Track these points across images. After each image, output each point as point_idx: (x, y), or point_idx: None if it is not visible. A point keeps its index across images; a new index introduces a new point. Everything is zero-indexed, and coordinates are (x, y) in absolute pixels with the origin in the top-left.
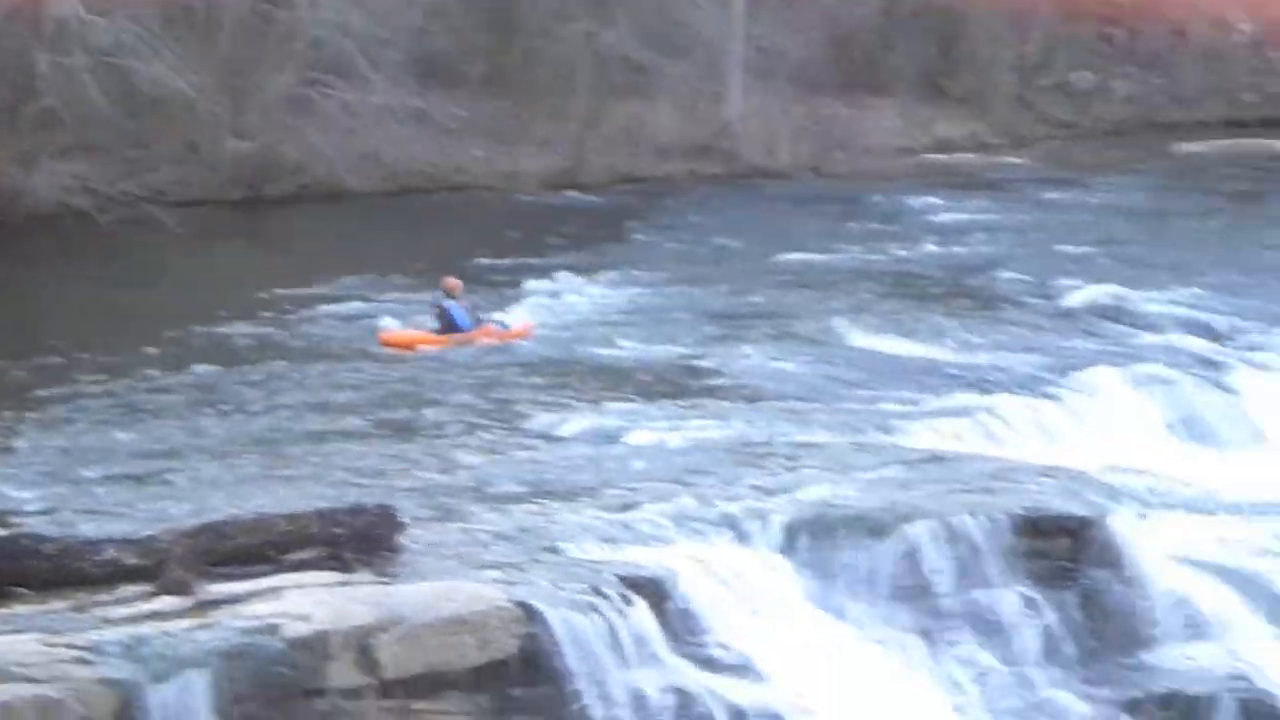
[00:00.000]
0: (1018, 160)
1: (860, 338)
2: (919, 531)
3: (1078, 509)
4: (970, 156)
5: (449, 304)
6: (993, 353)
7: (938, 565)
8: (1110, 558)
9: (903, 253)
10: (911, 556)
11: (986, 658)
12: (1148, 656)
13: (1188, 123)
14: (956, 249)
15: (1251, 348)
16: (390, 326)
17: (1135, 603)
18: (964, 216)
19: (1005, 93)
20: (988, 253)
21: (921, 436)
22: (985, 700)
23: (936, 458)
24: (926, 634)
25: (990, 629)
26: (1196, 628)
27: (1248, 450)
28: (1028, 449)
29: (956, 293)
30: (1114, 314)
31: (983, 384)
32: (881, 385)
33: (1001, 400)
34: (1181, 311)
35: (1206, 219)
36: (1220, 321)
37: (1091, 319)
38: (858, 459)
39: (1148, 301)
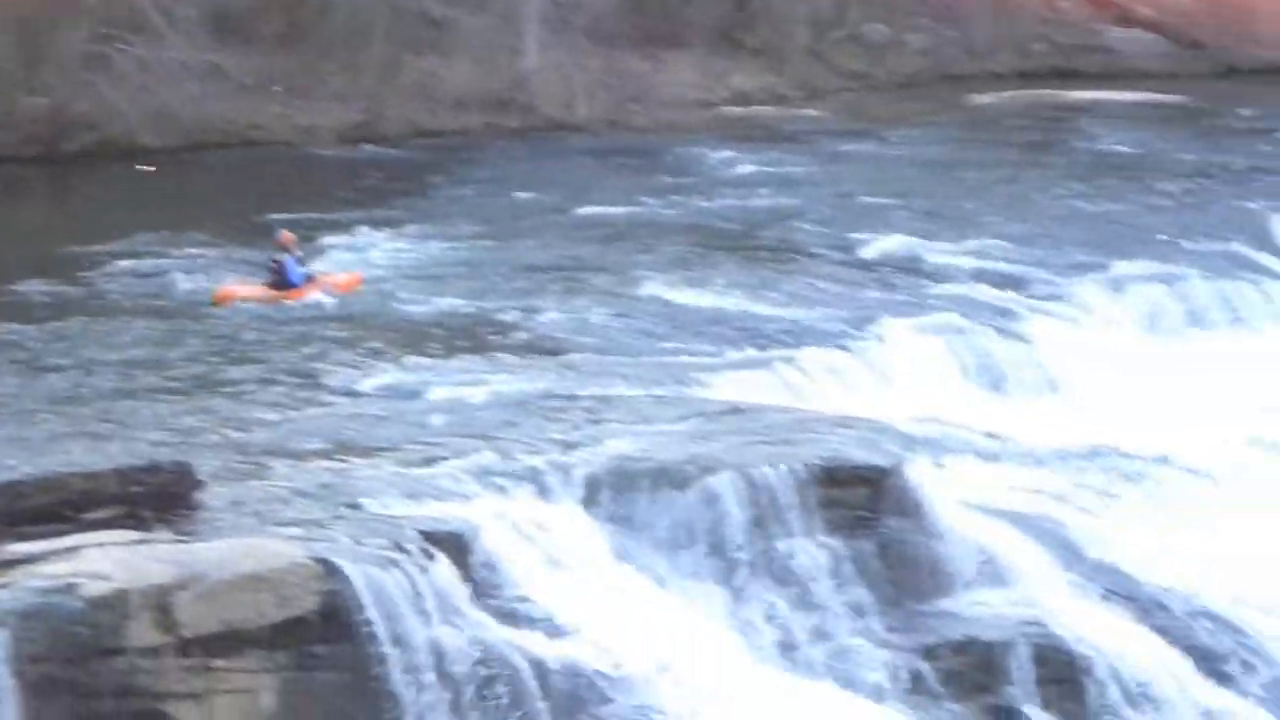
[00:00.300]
0: (813, 113)
1: (660, 291)
2: (719, 483)
3: (875, 459)
4: (767, 109)
5: (283, 258)
6: (791, 305)
7: (738, 516)
8: (907, 507)
9: (701, 205)
10: (712, 508)
11: (786, 607)
12: (944, 604)
13: (980, 74)
14: (754, 201)
15: (1044, 296)
16: (227, 283)
17: (932, 551)
18: (761, 169)
19: (800, 46)
20: (785, 205)
21: (721, 389)
22: (785, 649)
23: (736, 410)
24: (727, 584)
25: (790, 579)
26: (992, 575)
27: (1042, 398)
28: (826, 400)
29: (755, 245)
30: (910, 265)
31: (781, 336)
32: (681, 338)
33: (800, 352)
34: (976, 262)
35: (999, 170)
36: (1014, 271)
37: (888, 270)
38: (658, 412)
39: (943, 252)
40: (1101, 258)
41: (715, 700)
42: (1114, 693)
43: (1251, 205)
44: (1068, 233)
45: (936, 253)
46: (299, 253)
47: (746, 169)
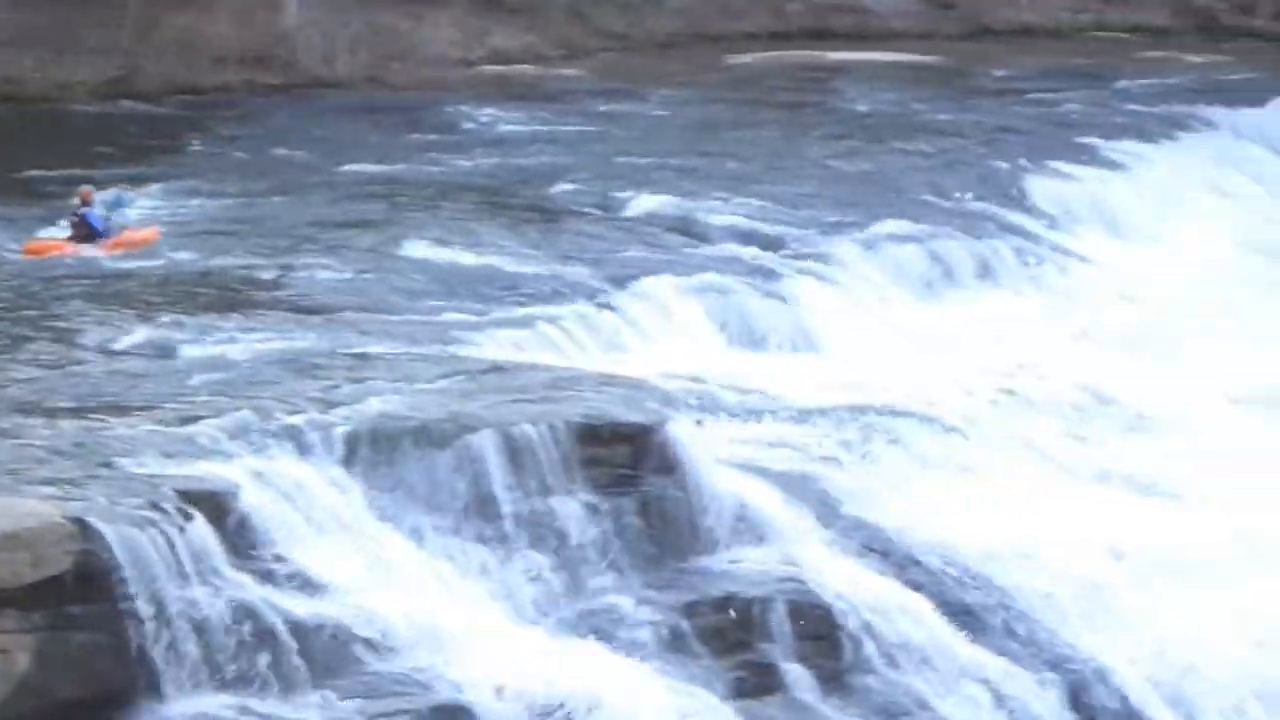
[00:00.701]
0: (573, 72)
1: (421, 249)
2: (480, 441)
3: (636, 416)
4: (527, 68)
5: (86, 211)
6: (553, 263)
7: (499, 475)
8: (668, 465)
9: (463, 164)
10: (473, 466)
11: (547, 566)
12: (705, 561)
13: (736, 34)
14: (516, 160)
15: (803, 256)
16: (41, 235)
17: (692, 509)
18: (522, 128)
19: (559, 5)
20: (547, 164)
21: (483, 347)
22: (546, 607)
23: (497, 368)
24: (488, 543)
25: (551, 537)
26: (752, 532)
27: (801, 356)
28: (588, 358)
29: (516, 204)
30: (671, 224)
31: (543, 294)
32: (443, 296)
33: (561, 310)
34: (736, 221)
35: (757, 130)
36: (773, 230)
37: (649, 229)
38: (419, 370)
39: (703, 212)
40: (858, 217)
41: (477, 660)
42: (870, 648)
43: (1004, 165)
44: (825, 192)
45: (697, 212)
46: (98, 208)
47: (508, 128)
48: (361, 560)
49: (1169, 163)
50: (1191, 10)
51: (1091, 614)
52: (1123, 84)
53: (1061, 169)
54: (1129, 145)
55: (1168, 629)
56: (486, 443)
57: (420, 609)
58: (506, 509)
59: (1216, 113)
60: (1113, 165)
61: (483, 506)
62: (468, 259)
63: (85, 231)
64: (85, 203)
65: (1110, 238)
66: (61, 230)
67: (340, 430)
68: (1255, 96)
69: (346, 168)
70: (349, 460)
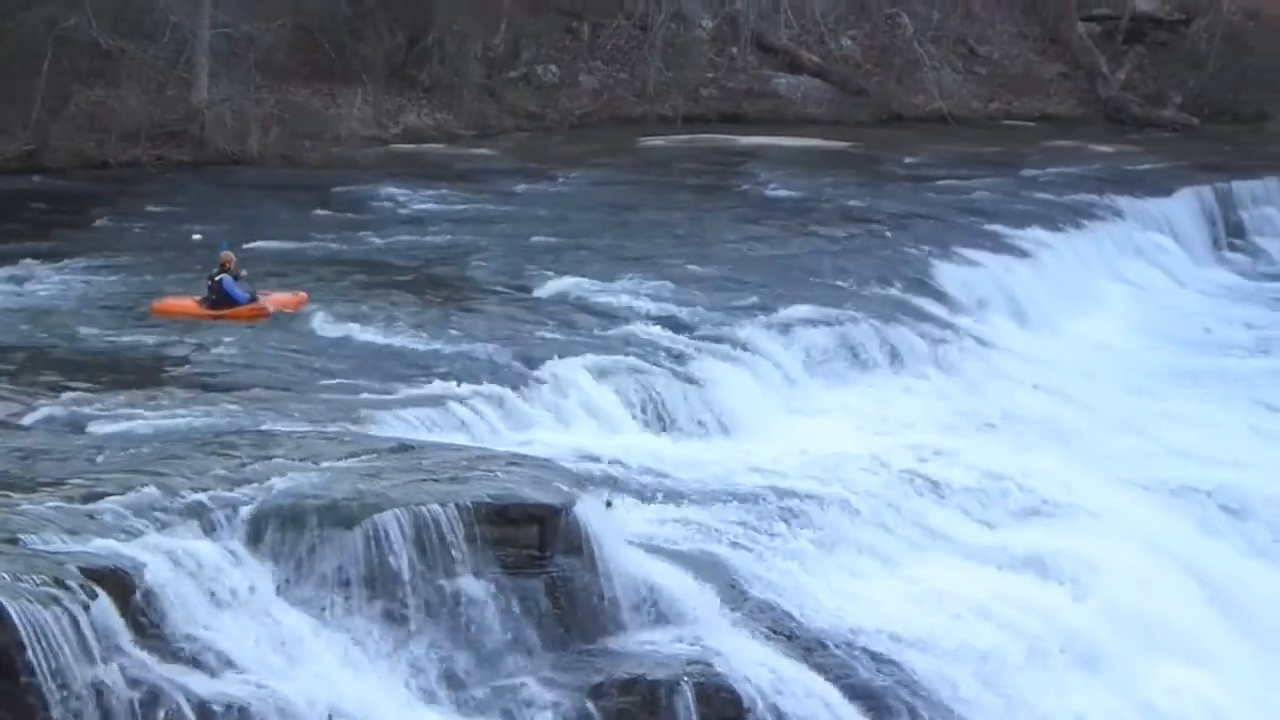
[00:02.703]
0: (486, 151)
1: (331, 327)
2: (387, 521)
3: (545, 497)
4: (439, 147)
5: (222, 277)
6: (464, 342)
7: (405, 555)
8: (577, 545)
9: (374, 242)
10: (379, 546)
11: (454, 646)
12: (612, 643)
13: (651, 117)
14: (426, 239)
15: (714, 339)
16: (167, 297)
17: (601, 590)
18: (434, 206)
19: (473, 84)
20: (458, 243)
21: (391, 426)
22: (452, 689)
23: (406, 447)
24: (394, 623)
25: (458, 618)
26: (660, 614)
27: (711, 438)
28: (497, 438)
29: (428, 283)
30: (582, 305)
31: (453, 373)
32: (352, 375)
33: (471, 390)
34: (648, 303)
35: (670, 212)
36: (684, 313)
37: (560, 310)
38: (327, 449)
39: (615, 293)
40: (770, 301)
41: None
42: None
43: (913, 251)
44: (737, 276)
45: (609, 293)
46: (242, 272)
47: (419, 206)
48: (266, 640)
49: (1075, 251)
50: (1100, 101)
51: (994, 696)
52: (1031, 172)
53: (969, 256)
54: (1036, 233)
55: (1066, 712)
56: (393, 522)
57: (325, 690)
58: (413, 589)
59: (1123, 202)
60: (1020, 253)
61: (389, 586)
62: (377, 338)
63: (219, 296)
64: (225, 268)
65: (1016, 325)
66: (197, 293)
67: (246, 509)
68: (1162, 186)
69: (255, 244)
70: (254, 539)
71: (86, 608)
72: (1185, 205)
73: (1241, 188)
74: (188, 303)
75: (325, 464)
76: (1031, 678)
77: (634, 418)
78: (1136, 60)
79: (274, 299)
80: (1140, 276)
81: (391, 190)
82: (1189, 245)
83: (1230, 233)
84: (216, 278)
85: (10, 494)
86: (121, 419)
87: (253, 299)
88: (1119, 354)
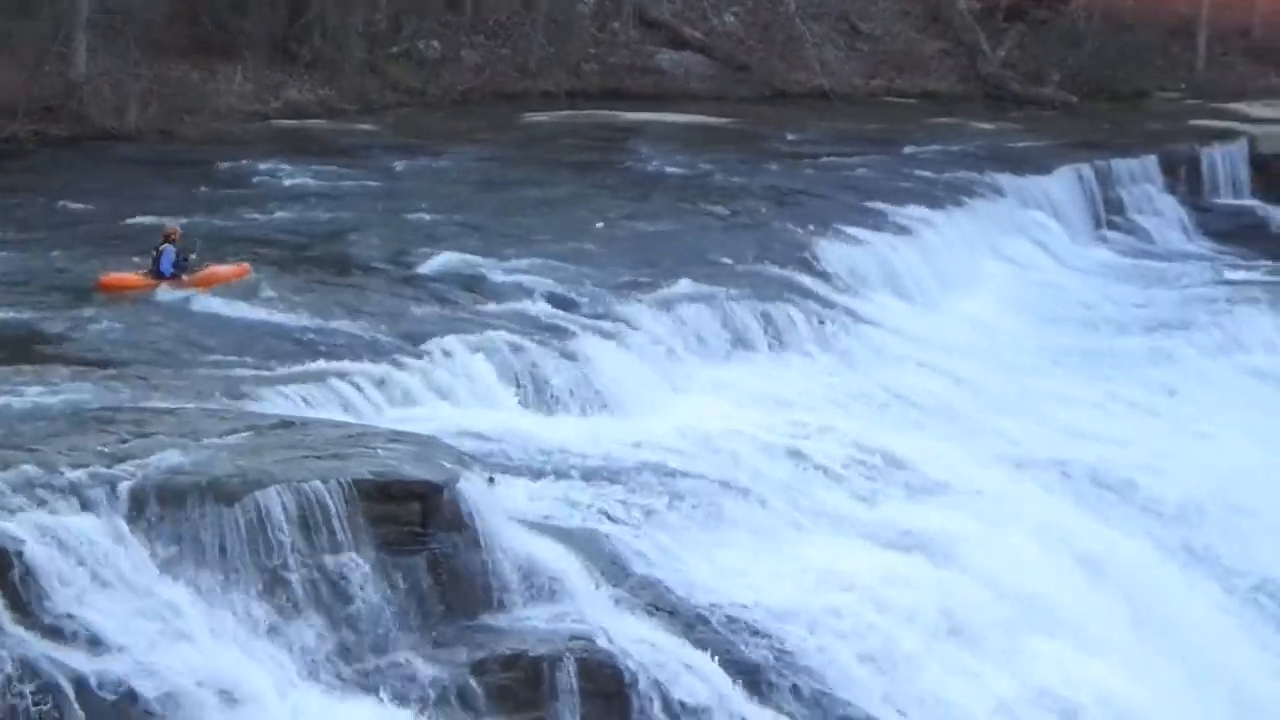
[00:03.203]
0: (368, 127)
1: (210, 304)
2: (269, 498)
3: (427, 474)
4: (321, 123)
5: (164, 248)
6: (345, 319)
7: (288, 531)
8: (459, 522)
9: (254, 218)
10: (261, 522)
11: (336, 623)
12: (494, 619)
13: (533, 92)
14: (308, 214)
15: (596, 315)
16: (110, 271)
17: (483, 567)
18: (316, 182)
19: (354, 60)
20: (339, 219)
21: (273, 402)
22: (334, 666)
23: (287, 423)
24: (277, 600)
25: (341, 594)
26: (542, 590)
27: (593, 416)
28: (379, 415)
29: (308, 258)
30: (464, 282)
31: (335, 350)
32: (233, 351)
33: (353, 366)
34: (529, 279)
35: (552, 189)
36: (566, 290)
37: (442, 286)
38: (207, 425)
39: (497, 269)
40: (651, 277)
41: (264, 717)
42: (657, 706)
43: (795, 228)
44: (618, 252)
45: (491, 270)
46: (196, 246)
47: (300, 182)
48: (147, 616)
49: (956, 228)
50: (981, 78)
51: (875, 673)
52: (912, 149)
53: (851, 233)
54: (917, 210)
55: (949, 688)
56: (275, 499)
57: (207, 666)
58: (295, 566)
59: (1003, 179)
60: (901, 230)
61: (271, 563)
62: (258, 314)
63: (158, 268)
64: (169, 239)
65: (898, 301)
66: (140, 266)
67: (126, 485)
68: (1041, 164)
69: (135, 220)
70: (135, 516)
71: None
72: (1065, 183)
73: (1120, 166)
74: (133, 276)
75: (207, 441)
76: (911, 654)
77: (516, 395)
78: (1017, 38)
79: (213, 271)
80: (1021, 254)
81: (273, 166)
82: (1069, 223)
83: (1110, 210)
84: (160, 248)
85: None
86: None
87: (178, 274)
88: (1000, 331)
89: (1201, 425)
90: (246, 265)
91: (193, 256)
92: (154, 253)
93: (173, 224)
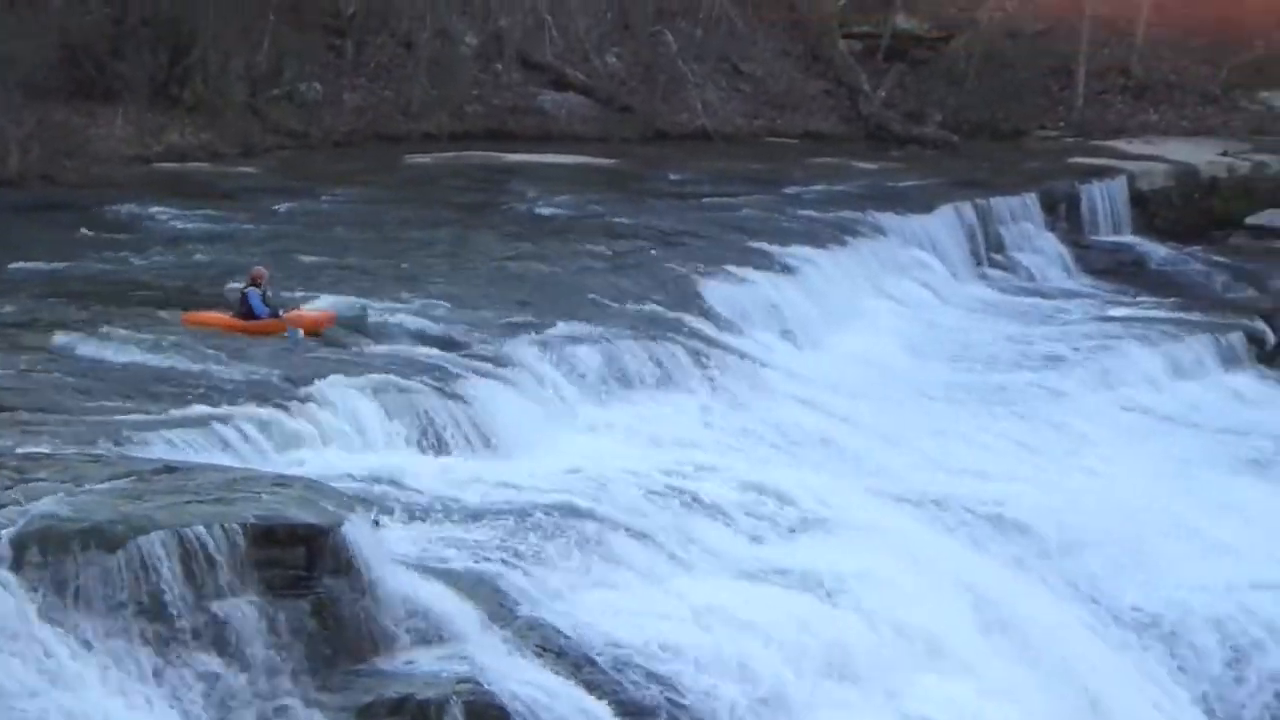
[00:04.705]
0: (250, 170)
1: (93, 348)
2: (152, 543)
3: (312, 517)
4: (203, 166)
5: (249, 291)
6: (228, 363)
7: (170, 577)
8: (344, 565)
9: (136, 262)
10: (144, 568)
11: (220, 669)
12: (381, 663)
13: (416, 134)
14: (191, 258)
15: (481, 357)
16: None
17: (369, 610)
18: (198, 225)
19: (236, 103)
20: (221, 262)
21: (156, 447)
22: (218, 712)
23: (170, 469)
24: (160, 646)
25: (224, 640)
26: (428, 633)
27: (479, 457)
28: (264, 459)
29: (191, 303)
30: (349, 324)
31: (218, 394)
32: (115, 396)
33: (237, 410)
34: (414, 321)
35: (436, 230)
36: (451, 331)
37: (329, 329)
38: (89, 471)
39: (381, 311)
40: (536, 318)
41: None
42: None
43: (679, 268)
44: (503, 293)
45: (375, 312)
46: (268, 289)
47: (183, 225)
48: (29, 664)
49: (839, 267)
50: (862, 118)
51: (761, 713)
52: (795, 189)
53: (735, 272)
54: (801, 250)
55: None
56: (158, 544)
57: (89, 714)
58: (179, 611)
59: (885, 218)
60: (785, 269)
61: (154, 609)
62: (141, 358)
63: (246, 310)
64: (254, 283)
65: (782, 340)
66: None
67: (7, 532)
68: (923, 202)
69: (14, 265)
70: (16, 563)
71: None
72: (946, 222)
73: (1000, 204)
74: (219, 316)
75: (88, 486)
76: (796, 691)
77: (402, 436)
78: (897, 78)
79: (300, 316)
80: (903, 293)
81: (155, 209)
82: (950, 261)
83: (991, 248)
84: (244, 290)
85: None
86: None
87: (274, 314)
88: (884, 369)
89: (1084, 460)
90: (333, 312)
91: (269, 296)
92: (237, 295)
93: (259, 267)
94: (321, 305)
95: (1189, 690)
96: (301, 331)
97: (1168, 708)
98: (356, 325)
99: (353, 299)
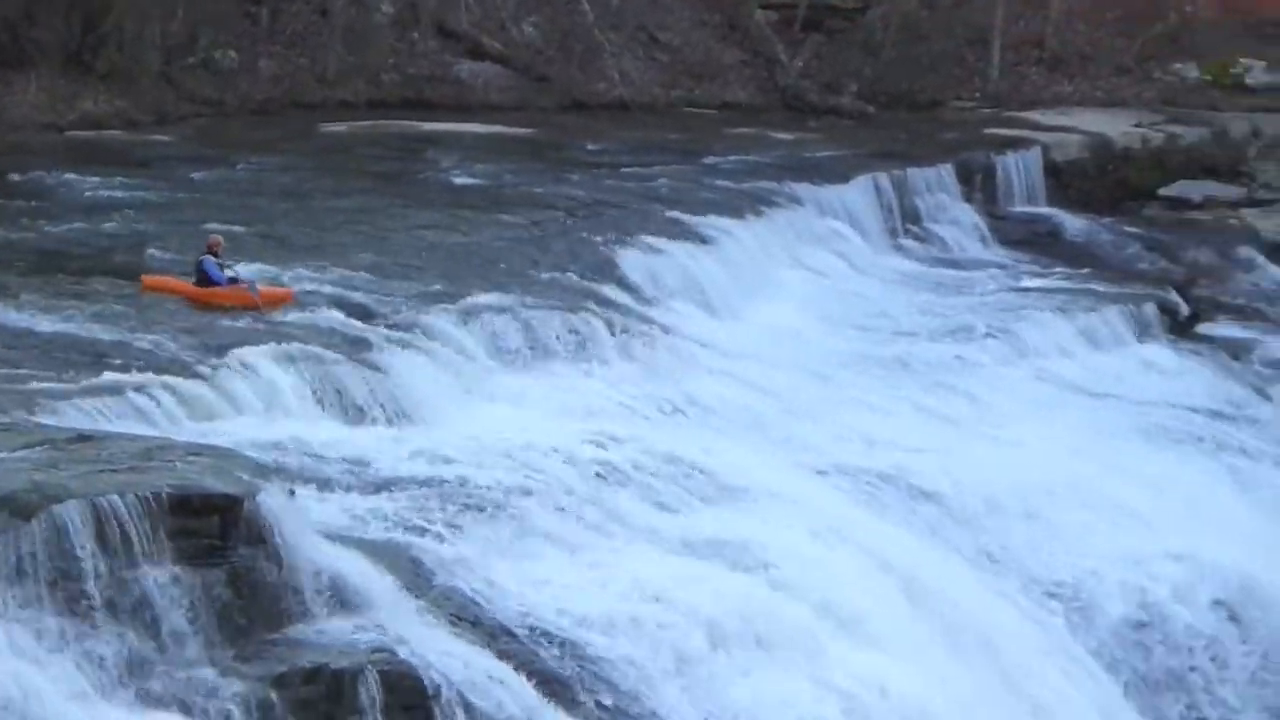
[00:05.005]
0: (164, 138)
1: (7, 316)
2: (66, 512)
3: (227, 487)
4: (118, 134)
5: (205, 259)
6: (142, 331)
7: (85, 546)
8: (259, 535)
9: (49, 230)
10: (58, 537)
11: (134, 638)
12: (295, 632)
13: (332, 102)
14: (104, 227)
15: (398, 326)
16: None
17: (283, 579)
18: (112, 194)
19: (150, 70)
20: (136, 231)
21: (69, 416)
22: (132, 681)
23: (84, 437)
24: (74, 615)
25: (138, 609)
26: (343, 602)
27: (394, 426)
28: (178, 428)
29: (104, 270)
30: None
31: (132, 362)
32: (27, 364)
33: (151, 378)
34: (330, 290)
35: (352, 199)
36: (367, 300)
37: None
38: (2, 439)
39: (297, 280)
40: (453, 288)
41: None
42: (460, 718)
43: (596, 238)
44: (420, 263)
45: (291, 280)
46: (222, 258)
47: (97, 194)
48: None
49: (756, 238)
50: (779, 89)
51: (677, 683)
52: (712, 160)
53: (652, 243)
54: (717, 220)
55: (752, 698)
56: (72, 513)
57: (1, 681)
58: (92, 580)
59: (801, 189)
60: (701, 240)
61: (68, 578)
62: (53, 326)
63: (202, 278)
64: (211, 251)
65: (698, 311)
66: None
67: None
68: (839, 173)
69: None
70: None
71: None
72: (862, 192)
73: (916, 175)
74: (179, 282)
75: (2, 454)
76: (712, 661)
77: (317, 405)
78: (814, 48)
79: (262, 290)
80: (820, 263)
81: (68, 178)
82: (866, 232)
83: (907, 219)
84: (200, 258)
85: None
86: None
87: (232, 281)
88: (801, 340)
89: (999, 431)
90: (292, 290)
91: (229, 269)
92: (195, 263)
93: (215, 236)
94: (241, 273)
95: (1099, 658)
96: (259, 285)
97: (1076, 675)
98: None
99: (270, 268)
